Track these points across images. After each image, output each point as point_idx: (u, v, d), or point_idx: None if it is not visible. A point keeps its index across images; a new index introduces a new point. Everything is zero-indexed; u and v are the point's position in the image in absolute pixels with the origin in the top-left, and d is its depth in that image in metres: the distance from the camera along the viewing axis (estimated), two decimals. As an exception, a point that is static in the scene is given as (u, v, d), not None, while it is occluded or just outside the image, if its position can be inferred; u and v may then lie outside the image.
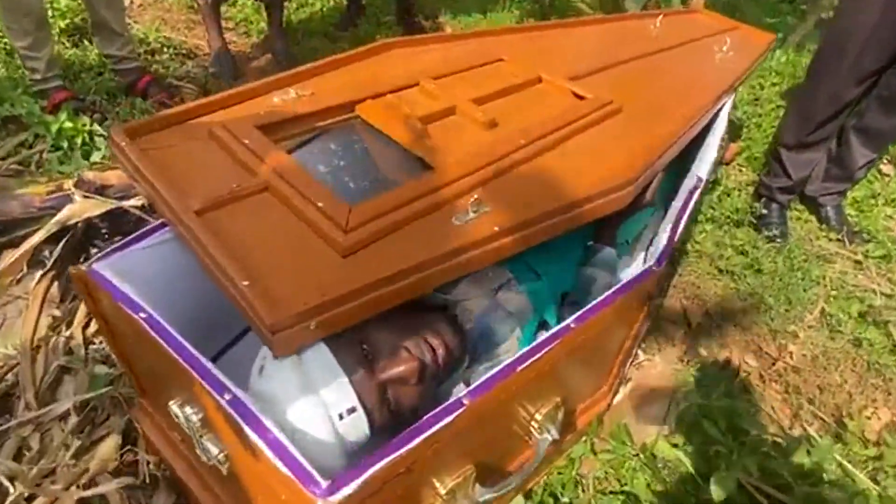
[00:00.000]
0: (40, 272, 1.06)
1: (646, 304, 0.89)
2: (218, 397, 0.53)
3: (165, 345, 0.57)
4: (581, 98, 1.05)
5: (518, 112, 0.98)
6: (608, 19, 1.65)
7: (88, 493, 0.78)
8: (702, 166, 1.07)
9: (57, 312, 1.04)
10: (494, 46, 1.21)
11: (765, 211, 1.69)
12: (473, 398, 0.57)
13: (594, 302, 0.72)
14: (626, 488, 0.97)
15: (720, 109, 1.29)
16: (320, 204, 0.67)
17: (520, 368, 0.61)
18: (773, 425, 1.10)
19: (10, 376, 0.92)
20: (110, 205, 1.14)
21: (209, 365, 0.55)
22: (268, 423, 0.50)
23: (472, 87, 1.01)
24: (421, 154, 0.83)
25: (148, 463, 0.83)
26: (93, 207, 1.11)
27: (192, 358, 0.56)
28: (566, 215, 0.78)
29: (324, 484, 0.47)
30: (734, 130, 2.12)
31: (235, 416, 0.51)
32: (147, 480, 0.82)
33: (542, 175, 0.83)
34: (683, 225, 0.91)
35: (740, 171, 1.94)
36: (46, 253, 1.11)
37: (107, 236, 1.20)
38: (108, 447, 0.84)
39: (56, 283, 1.06)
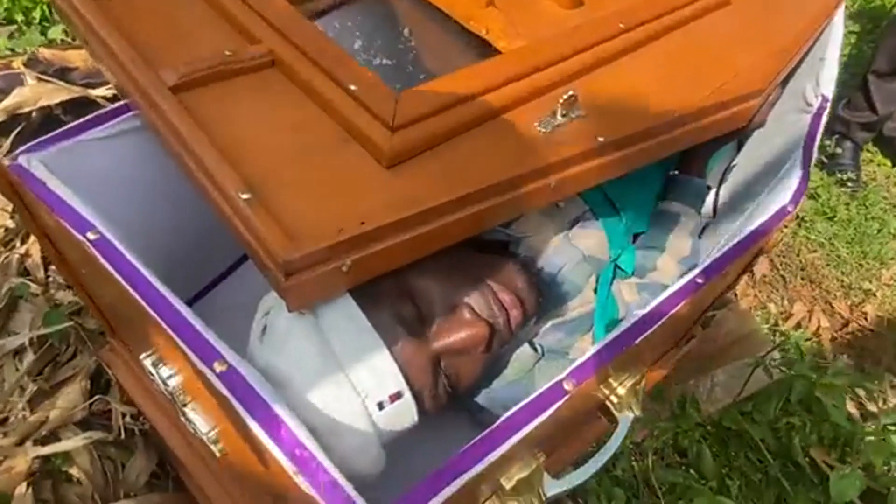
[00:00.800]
0: (-14, 171, 0.85)
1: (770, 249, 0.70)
2: (204, 367, 0.35)
3: (124, 282, 0.38)
4: (682, -18, 0.80)
5: (607, -10, 0.73)
6: None
7: (47, 449, 0.63)
8: (825, 84, 0.84)
9: (10, 223, 0.84)
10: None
11: (838, 150, 1.47)
12: (578, 382, 0.39)
13: (726, 249, 0.53)
14: (687, 461, 0.83)
15: (836, 16, 1.05)
16: (353, 87, 0.46)
17: (638, 340, 0.43)
18: (854, 401, 0.96)
19: (-51, 300, 0.74)
20: (72, 92, 0.90)
21: (190, 317, 0.36)
22: (287, 417, 0.33)
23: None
24: (485, 33, 0.61)
25: (123, 415, 0.67)
26: (50, 93, 0.88)
27: (164, 305, 0.37)
28: (683, 128, 0.58)
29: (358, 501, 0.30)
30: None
31: (233, 400, 0.33)
32: (122, 436, 0.67)
33: (646, 75, 0.61)
34: (815, 153, 0.70)
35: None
36: (-6, 147, 0.89)
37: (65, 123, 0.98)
38: (73, 393, 0.68)
39: (7, 187, 0.85)
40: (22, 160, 0.43)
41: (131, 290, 0.37)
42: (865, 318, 1.14)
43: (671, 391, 0.88)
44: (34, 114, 0.88)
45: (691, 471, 0.82)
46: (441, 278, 0.46)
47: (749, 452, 0.85)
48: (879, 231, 1.32)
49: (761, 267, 1.21)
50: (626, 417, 0.58)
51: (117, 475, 0.64)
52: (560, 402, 0.38)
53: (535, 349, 0.59)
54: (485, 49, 0.63)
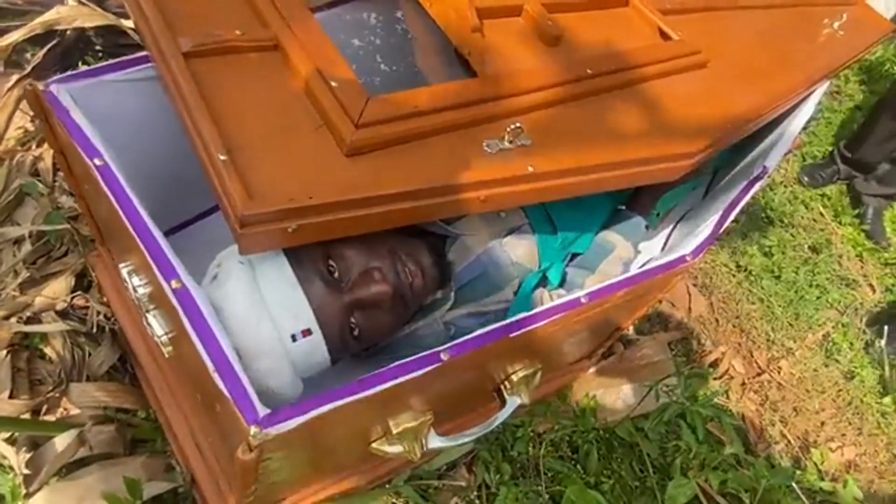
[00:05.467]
0: (17, 75, 0.94)
1: (665, 290, 0.81)
2: (164, 283, 0.45)
3: (116, 204, 0.48)
4: (666, 38, 0.89)
5: (591, 34, 0.82)
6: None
7: (28, 328, 0.74)
8: (772, 155, 0.93)
9: (30, 126, 0.94)
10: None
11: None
12: (454, 355, 0.50)
13: (614, 280, 0.64)
14: (576, 457, 0.95)
15: (810, 95, 1.13)
16: (334, 84, 0.55)
17: (513, 335, 0.54)
18: (738, 436, 1.07)
19: (-35, 184, 0.84)
20: (106, 19, 0.99)
21: (162, 241, 0.47)
22: (215, 330, 0.43)
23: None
24: (467, 55, 0.70)
25: (98, 313, 0.78)
26: (86, 17, 0.97)
27: (144, 228, 0.47)
28: (613, 173, 0.67)
29: (262, 411, 0.41)
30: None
31: (180, 309, 0.44)
32: (94, 330, 0.78)
33: (599, 118, 0.71)
34: (733, 218, 0.80)
35: (794, 164, 1.79)
36: (28, 56, 0.98)
37: (100, 54, 1.07)
38: (60, 286, 0.79)
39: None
40: (53, 88, 0.53)
41: (121, 212, 0.47)
42: (778, 372, 1.25)
43: (580, 395, 0.99)
44: (68, 32, 0.97)
45: (577, 466, 0.93)
46: (360, 246, 0.57)
47: (633, 462, 0.97)
48: (818, 298, 1.42)
49: (699, 306, 1.31)
50: (513, 401, 0.69)
51: (83, 361, 0.75)
52: (431, 367, 0.48)
53: (448, 329, 0.69)
54: (466, 66, 0.72)
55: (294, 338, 0.50)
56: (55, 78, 0.54)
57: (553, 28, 0.75)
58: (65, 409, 0.71)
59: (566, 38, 0.77)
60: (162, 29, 0.55)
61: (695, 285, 1.34)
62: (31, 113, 0.96)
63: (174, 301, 0.44)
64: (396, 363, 0.48)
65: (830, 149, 1.79)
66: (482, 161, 0.59)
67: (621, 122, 0.72)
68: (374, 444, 0.60)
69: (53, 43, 0.96)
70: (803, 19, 1.32)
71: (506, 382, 0.69)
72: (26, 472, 0.63)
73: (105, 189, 0.48)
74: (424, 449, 0.62)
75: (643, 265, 0.92)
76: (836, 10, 1.40)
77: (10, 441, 0.66)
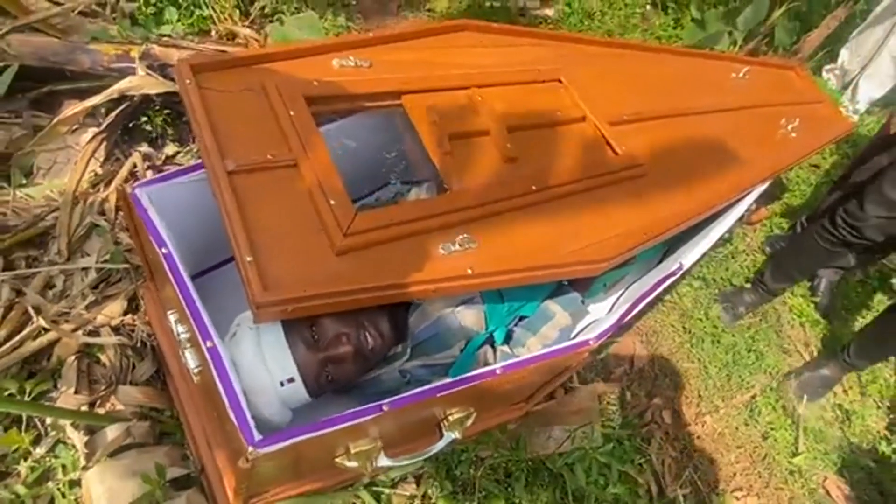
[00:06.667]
0: (94, 129, 1.18)
1: (577, 363, 1.01)
2: (202, 341, 0.68)
3: (175, 284, 0.70)
4: (614, 153, 1.10)
5: (545, 151, 1.03)
6: (693, 53, 1.60)
7: (91, 339, 0.97)
8: (689, 254, 1.13)
9: (99, 170, 1.18)
10: (561, 60, 1.21)
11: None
12: (392, 407, 0.72)
13: (526, 356, 0.85)
14: (509, 481, 1.16)
15: (749, 194, 1.31)
16: (332, 202, 0.78)
17: (439, 395, 0.76)
18: (653, 479, 1.28)
19: (49, 218, 1.08)
20: (167, 87, 1.23)
21: (204, 315, 0.69)
22: (232, 379, 0.66)
23: (516, 109, 1.05)
24: (441, 172, 0.91)
25: (143, 332, 1.02)
26: (152, 85, 1.21)
27: (193, 304, 0.70)
28: (539, 272, 0.88)
29: (257, 437, 0.63)
30: (774, 190, 2.10)
31: (210, 361, 0.66)
32: (139, 345, 1.01)
33: (535, 227, 0.92)
34: (639, 310, 1.00)
35: (760, 234, 1.95)
36: (103, 111, 1.22)
37: (157, 108, 1.31)
38: (116, 307, 1.02)
39: (104, 144, 1.19)
40: (137, 191, 0.76)
41: (178, 292, 0.70)
42: (702, 426, 1.45)
43: (518, 431, 1.21)
44: (136, 97, 1.21)
45: (508, 489, 1.15)
46: (335, 316, 0.79)
47: (556, 490, 1.18)
48: (753, 363, 1.61)
49: (642, 361, 1.51)
50: (449, 435, 0.91)
51: (129, 369, 0.99)
52: (374, 416, 0.70)
53: (404, 376, 0.91)
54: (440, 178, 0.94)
55: (282, 384, 0.73)
56: (139, 183, 0.77)
57: (510, 150, 0.97)
58: (112, 405, 0.95)
59: (523, 156, 0.99)
60: (214, 150, 0.77)
61: (641, 342, 1.54)
62: (101, 159, 1.20)
63: (207, 355, 0.67)
64: (351, 410, 0.70)
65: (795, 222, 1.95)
66: (436, 261, 0.81)
67: (553, 231, 0.93)
68: (337, 459, 0.82)
69: (124, 106, 1.20)
70: (758, 120, 1.52)
71: (444, 421, 0.91)
72: (85, 451, 0.86)
73: (166, 269, 0.71)
74: (375, 466, 0.84)
75: (589, 324, 1.13)
76: (794, 110, 1.59)
77: (74, 426, 0.89)
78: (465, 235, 0.83)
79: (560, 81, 1.16)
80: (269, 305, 0.68)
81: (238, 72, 0.88)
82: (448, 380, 0.78)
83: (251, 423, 0.64)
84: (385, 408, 0.71)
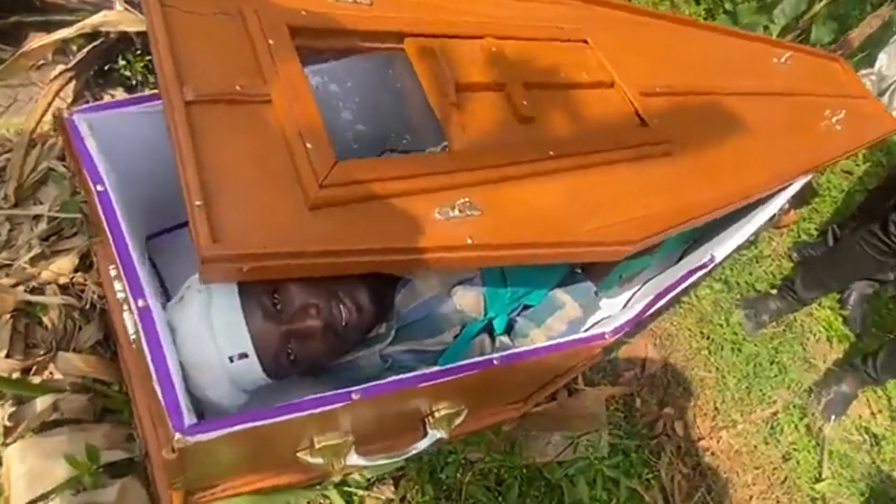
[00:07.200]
0: (61, 67, 1.05)
1: (587, 359, 0.88)
2: (132, 299, 0.55)
3: (107, 227, 0.58)
4: (642, 123, 0.96)
5: (566, 114, 0.90)
6: (733, 33, 1.45)
7: (33, 297, 0.85)
8: (722, 248, 1.00)
9: (65, 113, 1.05)
10: (587, 21, 1.08)
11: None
12: (363, 395, 0.59)
13: (529, 348, 0.72)
14: (500, 489, 1.03)
15: (785, 189, 1.18)
16: (309, 145, 0.64)
17: (421, 385, 0.63)
18: (661, 496, 1.14)
19: (1, 159, 0.96)
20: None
21: (139, 268, 0.56)
22: (165, 348, 0.53)
23: (536, 65, 0.92)
24: (443, 126, 0.78)
25: (94, 293, 0.89)
26: (129, 22, 1.08)
27: (126, 252, 0.57)
28: (550, 250, 0.75)
29: (188, 422, 0.50)
30: (805, 194, 1.96)
31: (139, 324, 0.54)
32: (88, 308, 0.88)
33: (550, 198, 0.79)
34: (659, 307, 0.87)
35: (787, 238, 1.81)
36: (74, 48, 1.10)
37: (138, 52, 1.18)
38: (65, 263, 0.90)
39: (72, 84, 1.06)
40: (75, 117, 0.63)
41: (109, 235, 0.57)
42: (717, 441, 1.31)
43: (514, 434, 1.07)
44: (111, 34, 1.08)
45: (499, 497, 1.02)
46: (304, 283, 0.65)
47: (554, 502, 1.05)
48: (775, 376, 1.47)
49: (654, 366, 1.37)
50: (433, 434, 0.78)
51: (74, 332, 0.86)
52: (341, 405, 0.57)
53: (386, 362, 0.78)
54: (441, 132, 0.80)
55: (231, 359, 0.60)
56: (80, 108, 0.64)
57: (527, 109, 0.83)
58: (50, 373, 0.82)
59: (540, 117, 0.85)
60: (172, 76, 0.64)
61: (654, 345, 1.40)
62: (68, 100, 1.07)
63: (136, 317, 0.54)
64: (313, 397, 0.57)
65: (826, 228, 1.82)
66: (431, 226, 0.68)
67: (569, 204, 0.79)
68: (299, 454, 0.69)
69: (98, 42, 1.07)
70: (800, 109, 1.37)
71: (430, 417, 0.78)
72: (7, 423, 0.74)
73: (100, 212, 0.58)
74: (344, 464, 0.71)
75: (600, 320, 0.99)
76: (839, 103, 1.44)
77: (-1, 395, 0.77)
78: (467, 200, 0.70)
79: (586, 42, 1.03)
80: (217, 261, 0.55)
81: (213, -7, 0.76)
82: (434, 368, 0.65)
83: (182, 403, 0.51)
84: (355, 396, 0.58)
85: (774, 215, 1.24)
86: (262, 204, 0.61)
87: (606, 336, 0.78)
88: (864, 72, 2.47)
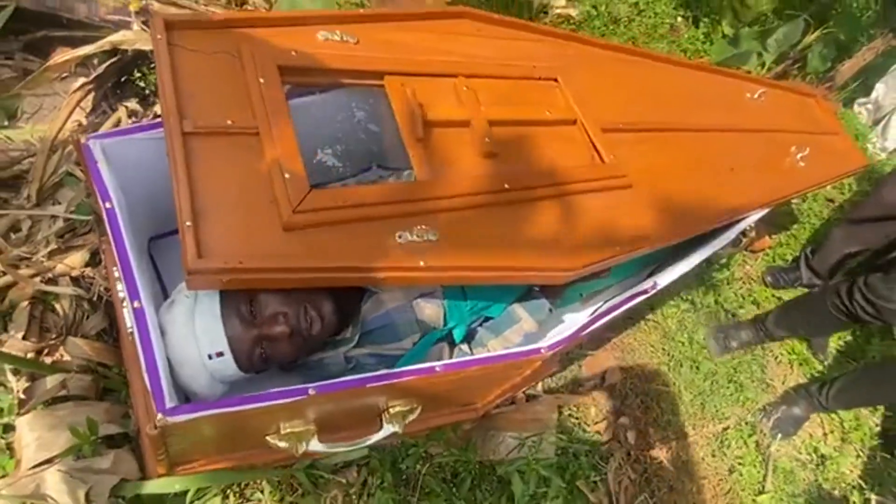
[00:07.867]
0: (83, 79, 1.17)
1: (527, 370, 0.98)
2: (129, 300, 0.66)
3: (113, 241, 0.69)
4: (601, 160, 1.05)
5: (525, 150, 1.00)
6: (708, 69, 1.54)
7: (48, 287, 0.97)
8: (666, 275, 1.09)
9: (84, 121, 1.17)
10: (562, 59, 1.17)
11: None
12: (319, 392, 0.70)
13: (469, 358, 0.82)
14: (455, 481, 1.14)
15: (739, 222, 1.26)
16: (287, 175, 0.75)
17: (369, 385, 0.73)
18: (607, 499, 1.24)
19: (25, 162, 1.08)
20: (161, 44, 1.21)
21: (136, 274, 0.68)
22: (154, 343, 0.64)
23: (504, 104, 1.02)
24: (411, 159, 0.88)
25: (101, 286, 1.01)
26: (145, 41, 1.19)
27: (127, 260, 0.68)
28: (497, 273, 0.85)
29: (168, 405, 0.62)
30: (783, 220, 2.03)
31: (134, 322, 0.65)
32: (95, 299, 1.00)
33: (501, 227, 0.89)
34: (601, 325, 0.97)
35: (761, 263, 1.88)
36: (95, 62, 1.21)
37: (152, 66, 1.30)
38: (77, 258, 1.02)
39: (92, 95, 1.18)
40: (90, 143, 0.75)
41: (114, 246, 0.69)
42: (667, 451, 1.41)
43: (471, 433, 1.18)
44: (128, 52, 1.20)
45: (453, 489, 1.12)
46: (276, 294, 0.77)
47: (503, 497, 1.15)
48: (731, 394, 1.56)
49: (614, 377, 1.47)
50: (388, 428, 0.89)
51: (82, 320, 0.98)
52: (298, 398, 0.68)
53: (349, 363, 0.89)
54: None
55: (210, 357, 0.71)
56: (93, 134, 0.76)
57: (489, 144, 0.93)
58: (60, 355, 0.94)
59: (501, 152, 0.95)
60: (173, 109, 0.75)
61: (616, 359, 1.50)
62: (87, 110, 1.19)
63: (132, 316, 0.66)
64: (276, 390, 0.68)
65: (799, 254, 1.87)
66: (391, 248, 0.78)
67: (520, 233, 0.89)
68: (268, 437, 0.80)
69: (116, 59, 1.19)
70: (766, 145, 1.45)
71: (385, 413, 0.89)
72: (22, 396, 0.86)
73: (108, 229, 0.70)
74: (306, 449, 0.82)
75: (562, 334, 1.09)
76: (807, 139, 1.52)
77: (15, 372, 0.89)
78: (424, 227, 0.81)
79: (556, 81, 1.12)
80: (201, 273, 0.66)
81: (216, 34, 0.86)
82: (381, 372, 0.75)
83: (165, 389, 0.62)
84: (311, 391, 0.69)
85: (739, 241, 1.32)
86: (244, 225, 0.72)
87: (542, 351, 0.88)
88: (860, 101, 2.53)
